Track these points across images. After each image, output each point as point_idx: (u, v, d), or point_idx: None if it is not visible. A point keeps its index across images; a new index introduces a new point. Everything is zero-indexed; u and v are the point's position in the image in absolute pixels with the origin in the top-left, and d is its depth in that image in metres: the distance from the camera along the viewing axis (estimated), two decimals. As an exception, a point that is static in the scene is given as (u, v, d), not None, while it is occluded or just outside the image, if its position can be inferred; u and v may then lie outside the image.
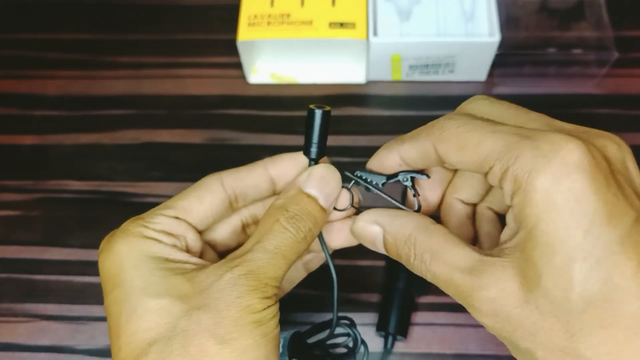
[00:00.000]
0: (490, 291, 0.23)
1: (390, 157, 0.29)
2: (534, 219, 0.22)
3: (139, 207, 0.46)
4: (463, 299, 0.25)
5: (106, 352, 0.41)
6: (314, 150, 0.29)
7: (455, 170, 0.31)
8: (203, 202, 0.30)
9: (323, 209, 0.29)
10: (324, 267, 0.30)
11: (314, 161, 0.30)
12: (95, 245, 0.45)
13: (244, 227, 0.33)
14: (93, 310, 0.43)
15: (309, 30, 0.47)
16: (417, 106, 0.49)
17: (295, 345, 0.31)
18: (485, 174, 0.25)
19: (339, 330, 0.32)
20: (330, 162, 0.30)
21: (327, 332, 0.32)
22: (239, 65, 0.50)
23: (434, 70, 0.48)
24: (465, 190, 0.30)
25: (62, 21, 0.54)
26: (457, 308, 0.42)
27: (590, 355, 0.22)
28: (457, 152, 0.25)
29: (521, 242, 0.23)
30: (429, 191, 0.31)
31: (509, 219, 0.25)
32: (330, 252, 0.32)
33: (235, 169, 0.31)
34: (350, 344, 0.32)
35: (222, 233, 0.32)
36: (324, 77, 0.50)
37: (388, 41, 0.46)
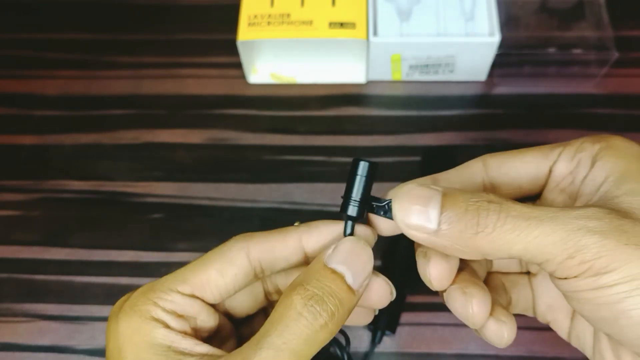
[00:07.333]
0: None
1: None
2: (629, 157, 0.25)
3: (139, 207, 0.46)
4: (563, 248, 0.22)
5: (106, 352, 0.42)
6: (352, 207, 0.26)
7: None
8: (225, 277, 0.26)
9: (351, 290, 0.24)
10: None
11: (352, 220, 0.26)
12: (95, 245, 0.46)
13: (267, 294, 0.30)
14: (93, 310, 0.43)
15: (309, 30, 0.47)
16: (417, 106, 0.49)
17: None
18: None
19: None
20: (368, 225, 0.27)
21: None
22: (239, 65, 0.50)
23: (434, 70, 0.48)
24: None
25: (62, 21, 0.54)
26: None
27: None
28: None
29: (610, 189, 0.24)
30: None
31: (584, 189, 0.26)
32: None
33: (266, 236, 0.27)
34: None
35: (241, 300, 0.29)
36: (324, 77, 0.50)
37: (388, 41, 0.46)
